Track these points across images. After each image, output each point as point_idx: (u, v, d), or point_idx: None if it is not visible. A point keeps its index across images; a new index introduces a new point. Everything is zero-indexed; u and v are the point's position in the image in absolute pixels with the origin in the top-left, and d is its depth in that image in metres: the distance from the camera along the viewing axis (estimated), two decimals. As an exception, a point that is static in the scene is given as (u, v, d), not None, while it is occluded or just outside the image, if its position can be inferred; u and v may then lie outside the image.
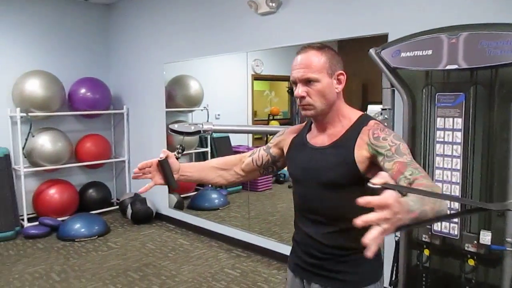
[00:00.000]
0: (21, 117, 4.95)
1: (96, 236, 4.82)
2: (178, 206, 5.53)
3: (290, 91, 5.27)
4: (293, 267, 1.63)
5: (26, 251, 4.43)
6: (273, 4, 3.77)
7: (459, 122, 2.31)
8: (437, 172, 2.41)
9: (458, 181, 2.33)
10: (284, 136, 1.69)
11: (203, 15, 4.60)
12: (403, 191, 0.96)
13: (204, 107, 5.88)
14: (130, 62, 5.70)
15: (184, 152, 1.84)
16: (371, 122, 1.44)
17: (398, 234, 2.70)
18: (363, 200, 0.86)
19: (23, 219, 5.03)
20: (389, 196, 0.86)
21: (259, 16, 3.96)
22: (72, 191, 5.42)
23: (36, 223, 5.00)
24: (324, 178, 1.46)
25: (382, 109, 2.71)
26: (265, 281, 3.64)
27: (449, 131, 2.35)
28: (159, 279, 3.71)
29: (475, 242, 2.26)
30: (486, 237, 2.27)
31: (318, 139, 1.53)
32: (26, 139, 5.01)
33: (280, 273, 3.80)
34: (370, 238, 0.85)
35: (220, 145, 6.17)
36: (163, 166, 1.60)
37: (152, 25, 5.29)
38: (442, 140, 2.39)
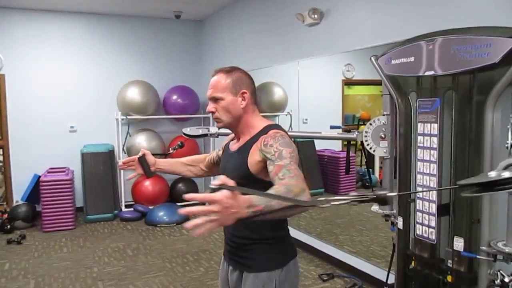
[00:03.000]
0: (122, 119, 5.95)
1: (175, 224, 5.54)
2: (252, 203, 5.97)
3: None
4: (224, 252, 1.94)
5: (117, 231, 5.33)
6: (316, 16, 3.99)
7: (435, 128, 2.34)
8: (418, 177, 2.45)
9: (435, 186, 2.35)
10: (225, 141, 2.00)
11: (267, 29, 5.01)
12: (236, 190, 1.07)
13: (288, 112, 6.19)
14: (215, 71, 6.37)
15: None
16: (271, 132, 1.67)
17: (395, 238, 2.77)
18: (189, 196, 1.06)
19: (121, 205, 6.01)
20: (219, 193, 1.03)
21: (306, 27, 4.21)
22: (164, 184, 6.26)
23: (131, 209, 5.93)
24: (229, 177, 1.75)
25: (382, 115, 2.80)
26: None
27: (427, 136, 2.39)
28: (208, 263, 4.20)
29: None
30: (459, 244, 2.27)
31: (234, 145, 1.82)
32: (126, 138, 5.99)
33: (317, 270, 4.00)
34: (191, 224, 1.02)
35: (303, 149, 6.43)
36: (141, 161, 2.07)
37: (230, 38, 5.88)
38: (422, 145, 2.43)
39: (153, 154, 2.04)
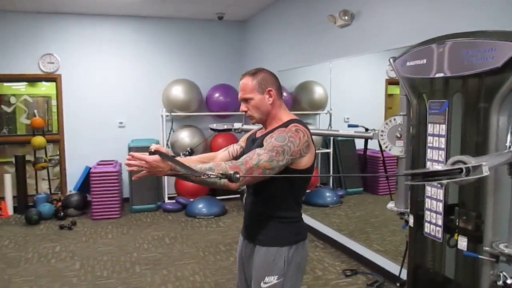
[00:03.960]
0: (167, 115, 6.31)
1: (213, 216, 5.82)
2: (287, 200, 6.13)
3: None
4: (241, 229, 2.15)
5: (158, 220, 5.69)
6: (346, 17, 4.07)
7: (443, 129, 2.40)
8: (427, 176, 2.51)
9: (442, 187, 2.41)
10: (248, 134, 2.21)
11: (304, 30, 5.13)
12: (164, 158, 1.55)
13: (328, 111, 6.28)
14: (255, 70, 6.57)
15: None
16: (290, 125, 1.86)
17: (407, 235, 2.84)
18: (132, 153, 1.57)
19: (164, 197, 6.37)
20: (151, 156, 1.53)
21: (338, 28, 4.30)
22: (205, 178, 6.54)
23: (173, 201, 6.27)
24: None
25: (399, 115, 2.87)
26: (323, 269, 4.01)
27: (436, 137, 2.45)
28: (238, 254, 4.42)
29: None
30: (462, 243, 2.32)
31: (260, 133, 2.03)
32: (170, 134, 6.35)
33: (342, 265, 4.10)
34: (128, 168, 1.59)
35: (344, 148, 6.50)
36: None
37: (270, 38, 6.05)
38: (431, 145, 2.49)
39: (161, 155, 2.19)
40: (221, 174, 1.53)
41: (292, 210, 1.94)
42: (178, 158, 2.34)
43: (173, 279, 3.81)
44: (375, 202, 5.78)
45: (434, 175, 1.04)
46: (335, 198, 6.00)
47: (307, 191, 6.07)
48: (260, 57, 6.42)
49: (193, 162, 2.31)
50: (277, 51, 5.94)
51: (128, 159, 1.59)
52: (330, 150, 6.44)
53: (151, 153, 1.55)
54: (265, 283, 1.86)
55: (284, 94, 6.20)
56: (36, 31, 6.06)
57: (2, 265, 4.13)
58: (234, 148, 2.22)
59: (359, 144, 6.02)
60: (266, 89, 1.90)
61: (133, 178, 1.66)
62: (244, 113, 1.97)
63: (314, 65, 5.27)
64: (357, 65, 5.05)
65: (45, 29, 6.09)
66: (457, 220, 2.35)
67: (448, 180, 1.04)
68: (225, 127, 3.15)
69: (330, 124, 6.09)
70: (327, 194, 6.12)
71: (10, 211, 5.97)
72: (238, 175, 1.51)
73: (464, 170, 1.08)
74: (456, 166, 1.05)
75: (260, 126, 2.15)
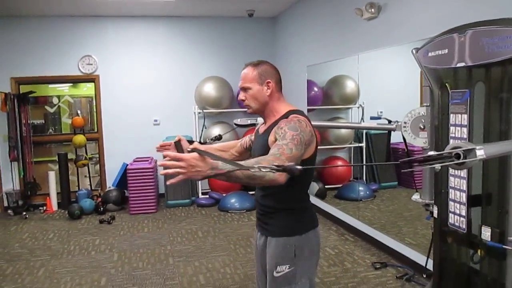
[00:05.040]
0: (199, 112, 6.46)
1: (245, 211, 5.92)
2: (320, 195, 6.16)
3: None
4: (256, 222, 2.22)
5: (192, 215, 5.85)
6: (373, 10, 4.06)
7: (465, 118, 2.38)
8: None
9: (465, 176, 2.39)
10: (257, 127, 2.28)
11: (334, 24, 5.13)
12: (205, 154, 1.33)
13: (360, 105, 6.23)
14: (286, 65, 6.61)
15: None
16: (291, 116, 1.91)
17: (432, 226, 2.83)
18: (165, 153, 1.33)
19: (198, 192, 6.54)
20: (188, 154, 1.31)
21: (365, 21, 4.29)
22: (237, 174, 6.67)
23: (207, 196, 6.43)
24: (257, 155, 2.02)
25: (422, 106, 2.86)
26: (352, 262, 4.02)
27: (458, 127, 2.43)
28: (269, 247, 4.50)
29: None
30: (486, 233, 2.30)
31: (262, 128, 2.10)
32: (202, 130, 6.49)
33: (372, 258, 4.10)
34: (163, 172, 1.35)
35: (377, 142, 6.43)
36: (177, 146, 2.34)
37: (302, 33, 6.08)
38: (453, 135, 2.47)
39: (188, 141, 2.30)
40: (276, 166, 1.32)
41: (300, 201, 1.99)
42: (208, 146, 2.41)
43: (205, 270, 3.94)
44: (409, 196, 5.66)
45: (427, 160, 1.07)
46: (368, 192, 5.95)
47: (340, 185, 6.17)
48: (290, 53, 6.45)
49: (213, 151, 2.41)
50: (306, 46, 5.96)
51: (164, 162, 1.35)
52: (363, 144, 6.39)
53: (180, 148, 1.37)
54: (277, 272, 1.92)
55: (315, 89, 6.28)
56: (75, 34, 6.35)
57: (46, 257, 4.39)
58: (245, 140, 2.34)
59: (395, 138, 5.96)
60: (265, 81, 1.95)
61: (167, 183, 1.43)
62: (242, 101, 2.03)
63: (343, 59, 5.25)
64: (388, 57, 5.00)
65: (83, 32, 6.38)
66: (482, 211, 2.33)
67: (441, 165, 1.07)
68: (249, 122, 3.21)
69: (362, 118, 6.03)
70: (360, 188, 6.08)
71: (55, 207, 6.30)
72: (298, 167, 1.31)
73: (461, 155, 1.11)
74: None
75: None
